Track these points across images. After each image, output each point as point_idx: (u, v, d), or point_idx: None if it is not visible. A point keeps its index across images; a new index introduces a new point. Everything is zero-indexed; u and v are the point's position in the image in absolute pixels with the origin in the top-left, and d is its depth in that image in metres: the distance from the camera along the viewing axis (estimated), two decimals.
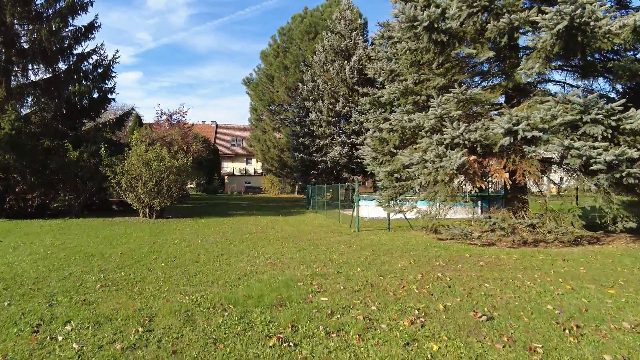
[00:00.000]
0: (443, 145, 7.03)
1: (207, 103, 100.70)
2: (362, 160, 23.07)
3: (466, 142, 7.00)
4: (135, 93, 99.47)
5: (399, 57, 9.71)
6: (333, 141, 20.68)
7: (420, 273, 5.58)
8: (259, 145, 29.27)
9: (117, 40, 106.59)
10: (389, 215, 10.76)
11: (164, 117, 23.27)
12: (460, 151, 6.84)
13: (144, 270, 5.95)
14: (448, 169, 6.93)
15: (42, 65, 16.80)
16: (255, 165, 53.28)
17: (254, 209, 20.29)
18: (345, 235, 9.82)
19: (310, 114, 21.00)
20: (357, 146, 21.20)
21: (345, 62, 21.26)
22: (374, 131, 9.41)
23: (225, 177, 50.44)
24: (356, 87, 21.30)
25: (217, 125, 58.26)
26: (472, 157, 7.19)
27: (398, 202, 9.55)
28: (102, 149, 14.39)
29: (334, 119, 20.83)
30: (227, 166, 52.87)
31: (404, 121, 7.77)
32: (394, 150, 8.79)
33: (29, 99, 16.97)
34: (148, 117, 37.59)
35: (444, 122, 7.21)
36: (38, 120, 16.71)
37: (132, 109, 17.55)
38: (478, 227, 8.15)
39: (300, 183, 27.95)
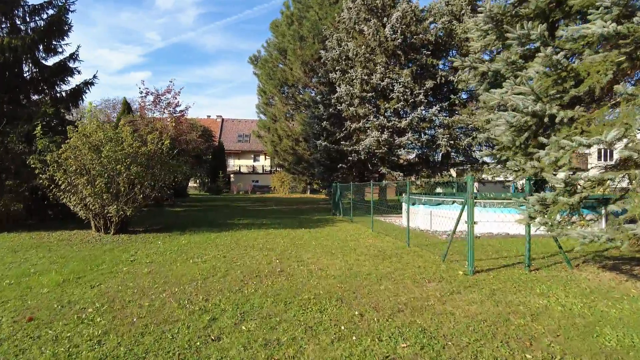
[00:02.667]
0: None
1: (215, 102, 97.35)
2: (402, 149, 17.80)
3: None
4: None
5: None
6: (368, 124, 15.45)
7: None
8: (269, 136, 24.15)
9: (126, 40, 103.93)
10: (528, 238, 5.52)
11: (151, 97, 18.36)
12: None
13: None
14: None
15: None
16: (264, 162, 48.64)
17: (263, 214, 15.25)
18: (463, 287, 4.60)
19: (338, 87, 15.74)
20: (400, 130, 15.99)
21: (385, 19, 16.03)
22: (539, 69, 4.16)
23: (231, 176, 45.70)
24: (398, 52, 16.07)
25: (222, 119, 53.56)
26: None
27: (575, 212, 4.35)
28: (38, 128, 9.45)
29: (370, 95, 15.57)
30: (233, 163, 48.15)
31: None
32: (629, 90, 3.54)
33: None
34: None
35: None
36: None
37: (95, 76, 12.65)
38: None
39: (319, 182, 22.82)
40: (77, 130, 8.70)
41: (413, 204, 12.29)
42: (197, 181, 41.48)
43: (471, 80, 6.38)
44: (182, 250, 7.20)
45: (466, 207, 5.38)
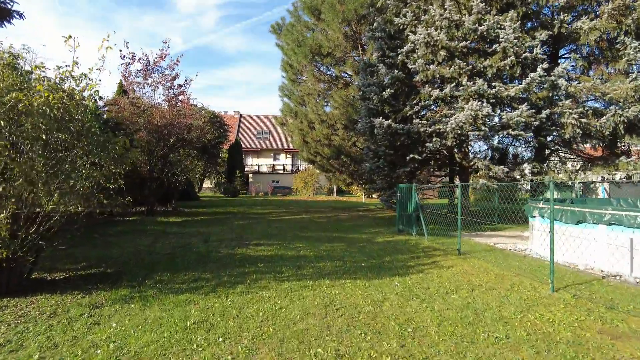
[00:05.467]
0: None
1: (236, 104, 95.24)
2: (508, 131, 11.53)
3: None
4: None
5: None
6: (459, 91, 9.83)
7: None
8: (296, 123, 18.79)
9: (149, 44, 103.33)
10: None
11: (138, 64, 13.28)
12: None
13: None
14: None
15: None
16: (285, 161, 43.81)
17: (295, 231, 9.79)
18: None
19: (411, 34, 10.11)
20: (506, 102, 10.23)
21: None
22: None
23: (250, 175, 40.88)
24: None
25: (240, 115, 49.24)
26: None
27: None
28: None
29: (462, 45, 9.91)
30: (252, 162, 43.44)
31: None
32: None
33: None
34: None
35: None
36: None
37: (13, 8, 7.66)
38: None
39: (364, 182, 17.23)
40: None
41: (561, 219, 6.55)
42: (214, 182, 36.94)
43: None
44: None
45: None
